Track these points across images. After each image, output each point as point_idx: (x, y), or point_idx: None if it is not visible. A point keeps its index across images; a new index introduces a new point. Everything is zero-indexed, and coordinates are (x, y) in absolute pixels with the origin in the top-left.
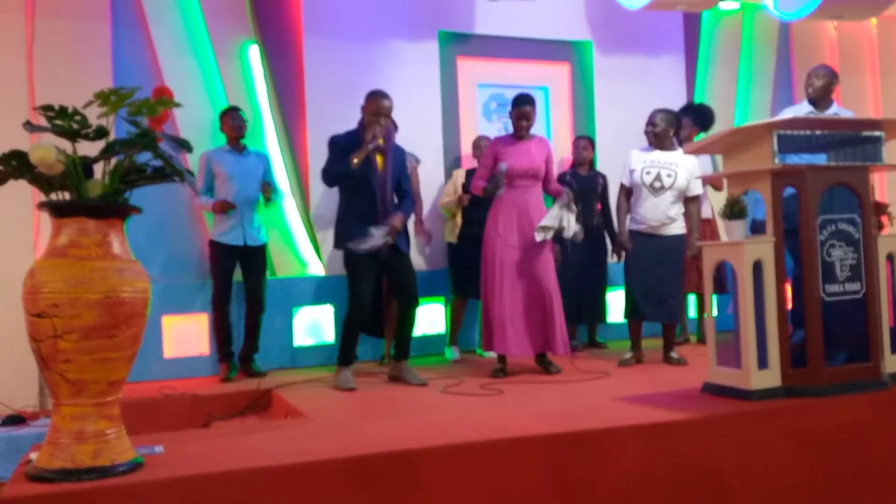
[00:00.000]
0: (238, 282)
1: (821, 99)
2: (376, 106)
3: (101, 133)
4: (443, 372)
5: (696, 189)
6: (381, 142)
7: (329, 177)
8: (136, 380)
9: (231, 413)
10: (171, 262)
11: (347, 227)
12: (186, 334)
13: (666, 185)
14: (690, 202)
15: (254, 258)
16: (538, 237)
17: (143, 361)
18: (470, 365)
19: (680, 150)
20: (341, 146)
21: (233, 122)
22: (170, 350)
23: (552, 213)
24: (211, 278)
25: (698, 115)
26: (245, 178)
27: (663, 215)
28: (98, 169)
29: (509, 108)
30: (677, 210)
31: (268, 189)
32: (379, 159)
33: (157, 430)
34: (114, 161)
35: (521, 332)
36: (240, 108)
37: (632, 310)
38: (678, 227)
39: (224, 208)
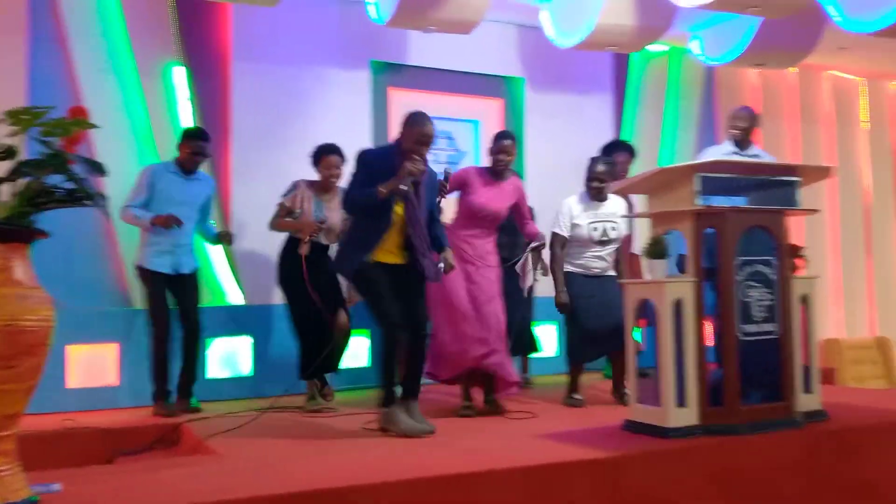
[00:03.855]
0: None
1: (743, 139)
2: (419, 133)
3: (10, 153)
4: (368, 406)
5: (625, 232)
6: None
7: (353, 206)
8: (35, 411)
9: (137, 448)
10: (79, 286)
11: (359, 255)
12: (94, 364)
13: (612, 237)
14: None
15: (186, 285)
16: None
17: (43, 391)
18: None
19: (611, 198)
20: (371, 164)
21: (191, 152)
22: (74, 380)
23: (524, 256)
24: (145, 306)
25: (628, 148)
26: (185, 204)
27: (606, 264)
28: (4, 190)
29: (490, 143)
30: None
31: (227, 237)
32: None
33: (56, 465)
34: (22, 182)
35: (474, 368)
36: (205, 136)
37: (577, 353)
38: (611, 271)
39: (168, 223)
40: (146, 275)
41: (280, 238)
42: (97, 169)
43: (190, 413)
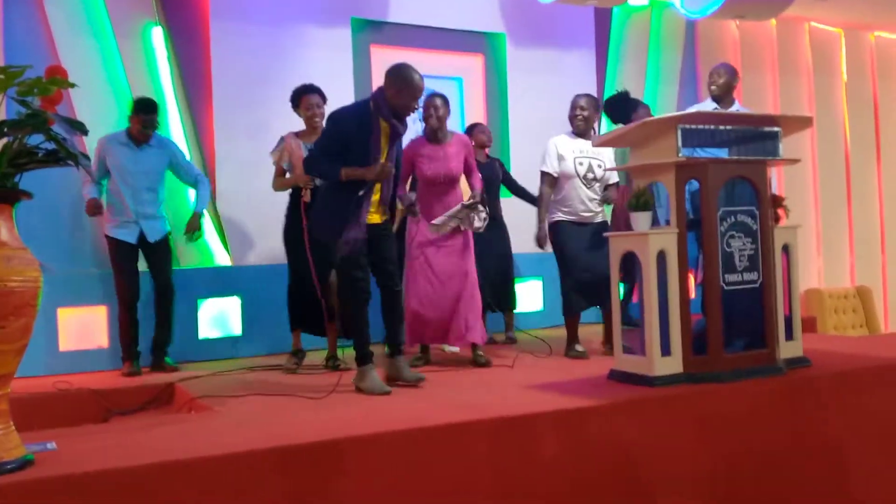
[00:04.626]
0: (144, 271)
1: (723, 96)
2: (416, 90)
3: None
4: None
5: (614, 177)
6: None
7: (312, 171)
8: (29, 374)
9: (131, 408)
10: (68, 251)
11: (346, 225)
12: (84, 327)
13: (598, 176)
14: (610, 189)
15: (156, 251)
16: (431, 231)
17: (36, 355)
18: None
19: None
20: (343, 127)
21: (142, 123)
22: (66, 343)
23: (451, 211)
24: (113, 272)
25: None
26: (140, 174)
27: (595, 205)
28: None
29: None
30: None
31: (195, 224)
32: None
33: (51, 426)
34: (2, 143)
35: (438, 325)
36: (158, 108)
37: (571, 305)
38: (602, 215)
39: (92, 211)
40: (112, 243)
41: (272, 197)
42: (78, 128)
43: (166, 371)
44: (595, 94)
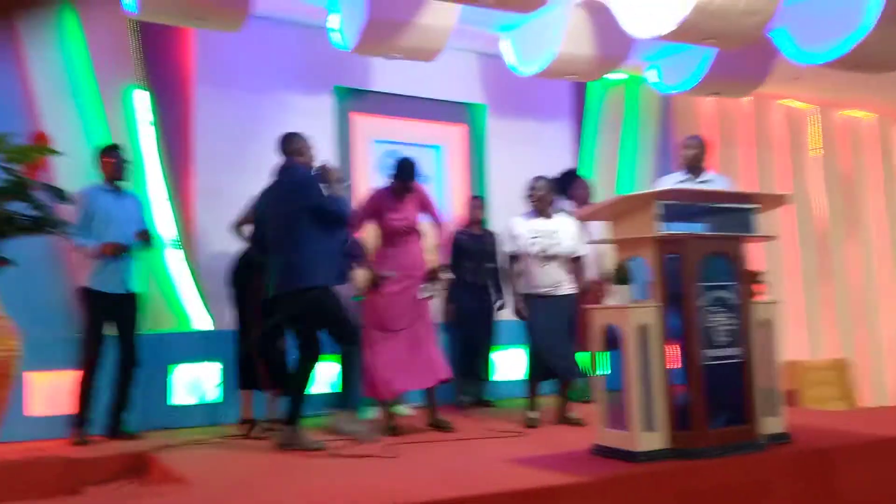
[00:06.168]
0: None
1: (694, 167)
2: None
3: None
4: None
5: (581, 250)
6: None
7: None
8: None
9: (105, 478)
10: (37, 312)
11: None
12: (53, 391)
13: (551, 254)
14: (575, 262)
15: (129, 306)
16: (421, 295)
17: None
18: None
19: (560, 216)
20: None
21: (116, 161)
22: (34, 408)
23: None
24: (80, 330)
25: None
26: (124, 221)
27: (554, 280)
28: None
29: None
30: (566, 272)
31: (145, 235)
32: None
33: (21, 497)
34: None
35: (410, 371)
36: (120, 145)
37: (536, 368)
38: (569, 288)
39: (117, 251)
40: (89, 297)
41: None
42: (60, 196)
43: (126, 439)
44: (571, 165)
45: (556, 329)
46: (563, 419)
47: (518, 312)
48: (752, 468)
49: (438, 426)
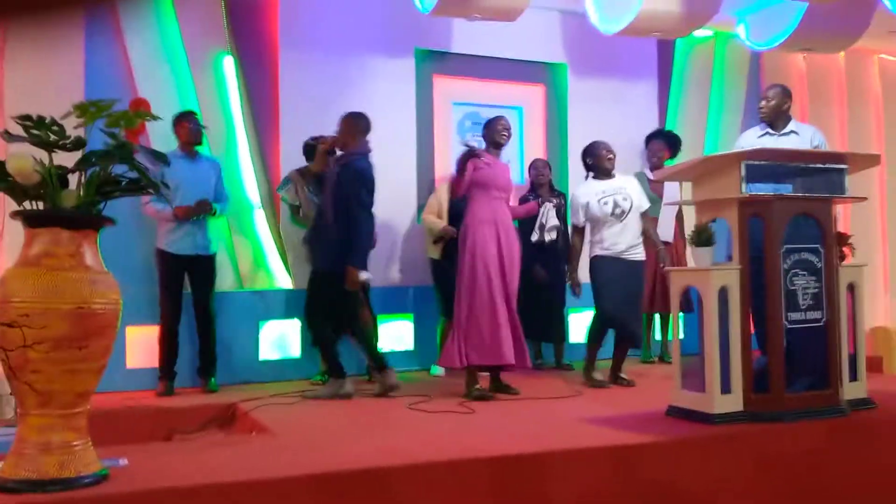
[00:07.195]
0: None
1: (776, 118)
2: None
3: (78, 144)
4: (412, 388)
5: (646, 203)
6: None
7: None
8: (98, 391)
9: (194, 427)
10: (135, 270)
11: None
12: (149, 345)
13: (626, 208)
14: (643, 217)
15: (203, 269)
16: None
17: (106, 371)
18: (442, 383)
19: (617, 175)
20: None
21: (191, 127)
22: (133, 360)
23: (548, 213)
24: (159, 289)
25: (669, 139)
26: (197, 185)
27: (632, 237)
28: (72, 179)
29: (488, 125)
30: (638, 231)
31: (206, 205)
32: None
33: (119, 441)
34: (90, 172)
35: (515, 342)
36: (195, 112)
37: (599, 331)
38: (640, 253)
39: (188, 214)
40: (163, 258)
41: None
42: (160, 158)
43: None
44: (657, 126)
45: (627, 292)
46: (616, 380)
47: (571, 288)
48: (835, 433)
49: (502, 390)
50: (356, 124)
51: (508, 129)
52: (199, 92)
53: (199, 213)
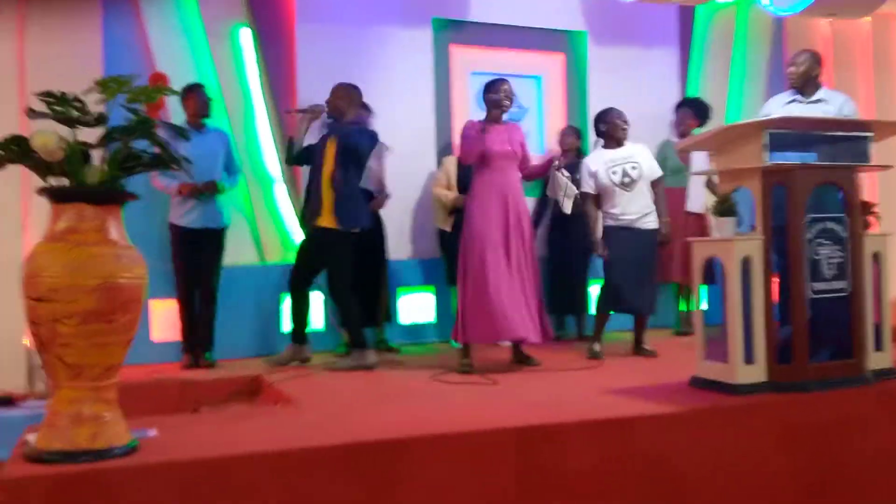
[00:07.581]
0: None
1: (804, 84)
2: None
3: (101, 120)
4: (434, 360)
5: (658, 171)
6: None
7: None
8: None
9: (220, 399)
10: (157, 244)
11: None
12: (175, 318)
13: (635, 177)
14: (655, 185)
15: (210, 242)
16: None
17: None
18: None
19: (628, 144)
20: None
21: (199, 99)
22: (157, 334)
23: (560, 181)
24: (172, 263)
25: (697, 107)
26: (205, 158)
27: (642, 206)
28: (95, 155)
29: (487, 88)
30: (650, 199)
31: (211, 186)
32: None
33: (146, 413)
34: (112, 148)
35: (525, 317)
36: (202, 84)
37: (607, 302)
38: (653, 221)
39: (193, 192)
40: (174, 232)
41: None
42: (181, 134)
43: (205, 367)
44: (679, 94)
45: (637, 263)
46: (638, 350)
47: (594, 248)
48: (859, 402)
49: (523, 361)
50: (353, 95)
51: (510, 95)
52: (217, 65)
53: (204, 192)
